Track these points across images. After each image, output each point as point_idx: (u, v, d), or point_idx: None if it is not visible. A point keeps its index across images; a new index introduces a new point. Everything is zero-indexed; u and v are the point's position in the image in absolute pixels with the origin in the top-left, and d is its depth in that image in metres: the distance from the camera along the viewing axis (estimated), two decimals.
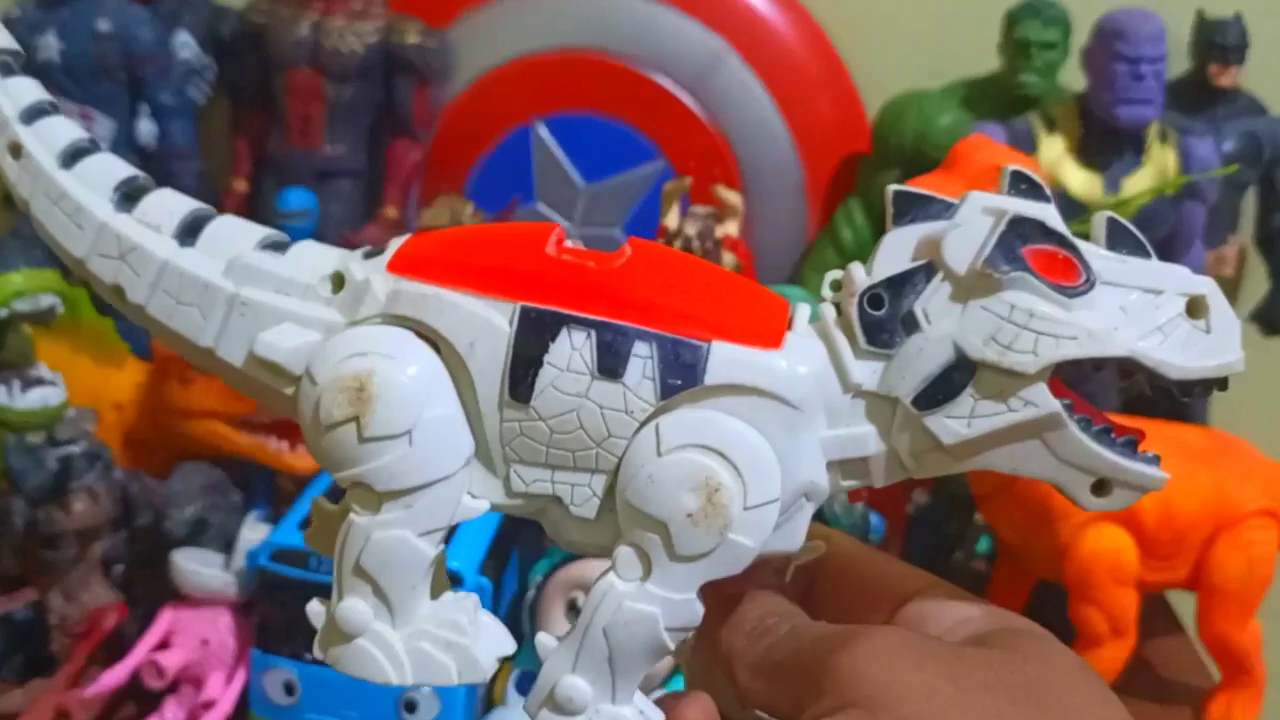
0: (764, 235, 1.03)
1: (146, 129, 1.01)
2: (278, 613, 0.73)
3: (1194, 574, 0.83)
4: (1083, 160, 0.86)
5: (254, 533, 0.76)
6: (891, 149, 0.99)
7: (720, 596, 0.32)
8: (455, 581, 0.71)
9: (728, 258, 0.80)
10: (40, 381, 0.69)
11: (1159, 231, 0.89)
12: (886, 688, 0.28)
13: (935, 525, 0.97)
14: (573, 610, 0.74)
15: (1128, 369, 0.29)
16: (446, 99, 1.06)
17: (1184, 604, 0.93)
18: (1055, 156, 0.85)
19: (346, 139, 1.03)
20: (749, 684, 0.32)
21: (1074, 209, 0.81)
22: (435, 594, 0.34)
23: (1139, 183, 0.85)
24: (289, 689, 0.73)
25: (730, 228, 0.82)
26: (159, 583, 0.78)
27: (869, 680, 0.29)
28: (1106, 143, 0.85)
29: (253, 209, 1.06)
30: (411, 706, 0.72)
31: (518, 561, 0.88)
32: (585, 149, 1.05)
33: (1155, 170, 0.86)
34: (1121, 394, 0.95)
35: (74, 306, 0.86)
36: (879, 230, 1.07)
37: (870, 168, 1.02)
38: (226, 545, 0.78)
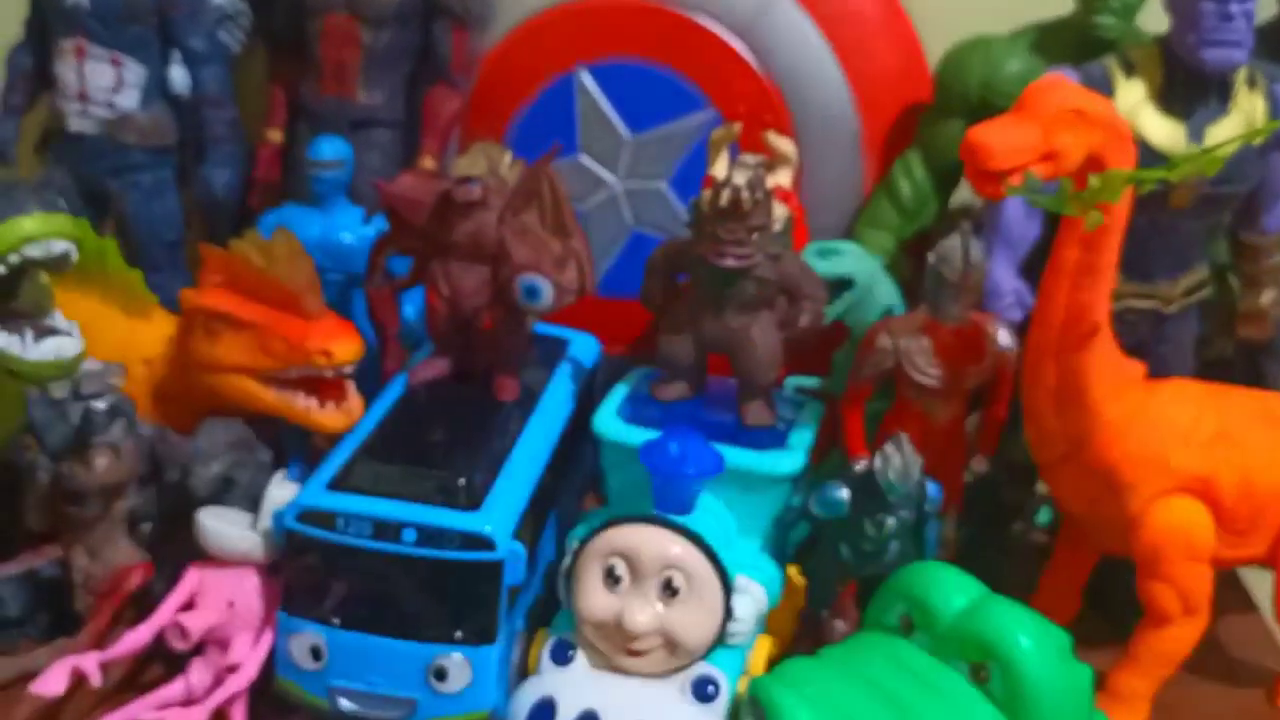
0: (817, 189, 0.98)
1: (179, 76, 0.98)
2: (305, 575, 0.71)
3: (1273, 549, 0.78)
4: (1163, 108, 0.80)
5: (281, 492, 0.73)
6: (955, 98, 0.93)
7: None
8: (487, 547, 0.69)
9: (779, 209, 0.76)
10: (54, 331, 0.66)
11: (1244, 185, 0.83)
12: None
13: (994, 495, 0.92)
14: (609, 578, 0.71)
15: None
16: (486, 46, 1.02)
17: (1258, 582, 0.88)
18: (1134, 103, 0.79)
19: (383, 86, 0.99)
20: None
21: (1154, 160, 0.75)
22: None
23: (1224, 131, 0.79)
24: (316, 653, 0.71)
25: (782, 178, 0.77)
26: (188, 542, 0.76)
27: None
28: (1190, 88, 0.79)
29: (288, 160, 1.03)
30: (441, 674, 0.70)
31: (555, 528, 0.85)
32: (630, 98, 1.00)
33: (1242, 118, 0.80)
34: (1200, 359, 0.90)
35: (102, 258, 0.84)
36: (939, 183, 1.02)
37: (931, 118, 0.96)
38: (254, 504, 0.75)
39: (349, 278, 0.95)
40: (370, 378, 0.91)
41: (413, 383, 0.84)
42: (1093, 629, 0.71)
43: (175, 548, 0.79)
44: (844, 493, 0.74)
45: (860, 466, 0.75)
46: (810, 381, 0.92)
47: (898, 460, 0.71)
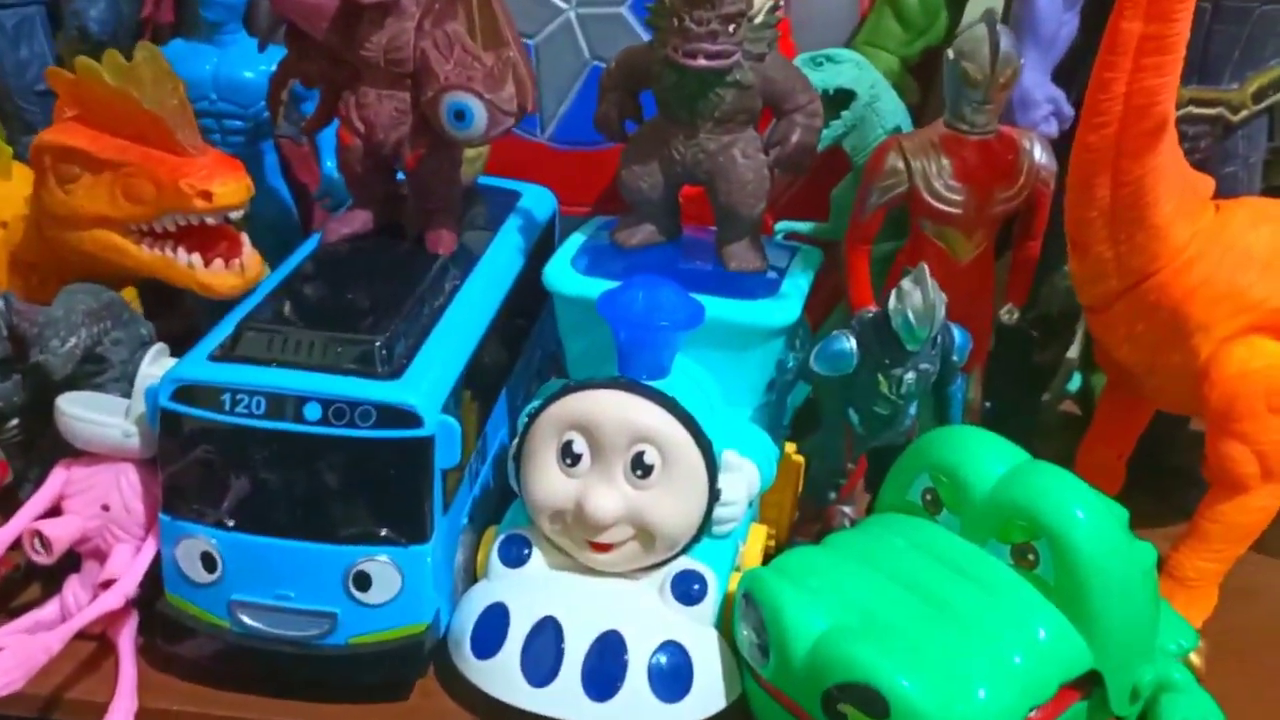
0: (803, 3, 0.83)
1: None
2: (189, 468, 0.57)
3: None
4: None
5: (156, 368, 0.59)
6: None
7: None
8: (412, 422, 0.55)
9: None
10: None
11: None
12: None
13: (1024, 356, 0.79)
14: (567, 456, 0.57)
15: None
16: None
17: None
18: None
19: None
20: None
21: None
22: None
23: None
24: (209, 563, 0.57)
25: None
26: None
27: None
28: None
29: None
30: (364, 581, 0.56)
31: (507, 408, 0.71)
32: None
33: None
34: (1268, 181, 0.76)
35: None
36: None
37: None
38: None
39: (255, 125, 0.80)
40: (290, 249, 0.77)
41: (327, 239, 0.69)
42: (1140, 506, 0.58)
43: (50, 445, 0.65)
44: (850, 343, 0.60)
45: (870, 315, 0.61)
46: (804, 226, 0.77)
47: (917, 297, 0.57)
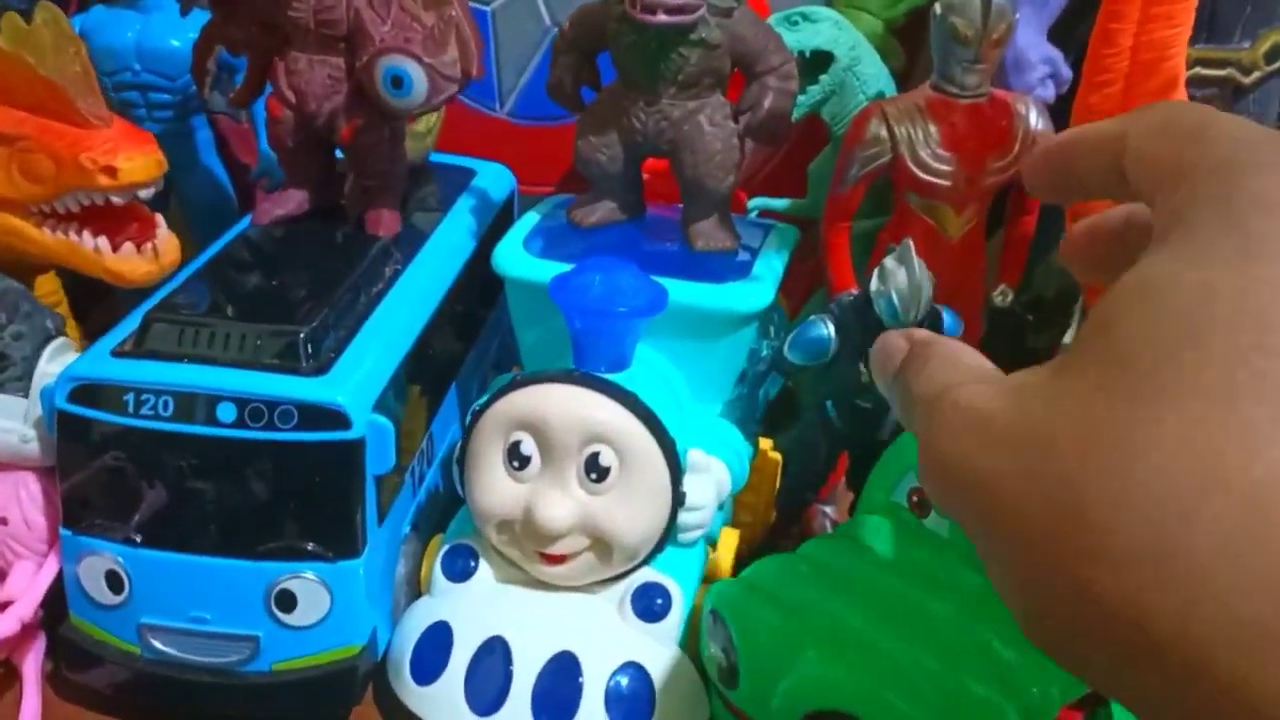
0: None
1: None
2: (89, 477, 0.51)
3: None
4: None
5: (54, 365, 0.53)
6: None
7: None
8: (340, 423, 0.49)
9: None
10: None
11: None
12: None
13: (1018, 340, 0.73)
14: (514, 459, 0.51)
15: None
16: None
17: None
18: None
19: None
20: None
21: None
22: None
23: None
24: (115, 582, 0.51)
25: None
26: None
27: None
28: None
29: None
30: (288, 601, 0.50)
31: (457, 404, 0.66)
32: None
33: None
34: None
35: None
36: None
37: None
38: None
39: (184, 98, 0.74)
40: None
41: (257, 221, 0.63)
42: None
43: None
44: (828, 329, 0.54)
45: (850, 298, 0.56)
46: (779, 204, 0.72)
47: (902, 276, 0.51)
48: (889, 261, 0.51)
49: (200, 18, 0.66)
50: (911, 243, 0.51)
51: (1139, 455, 0.21)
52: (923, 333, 0.32)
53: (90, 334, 0.67)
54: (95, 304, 0.72)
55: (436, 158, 0.76)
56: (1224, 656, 0.19)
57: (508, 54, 0.82)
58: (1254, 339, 0.20)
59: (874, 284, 0.52)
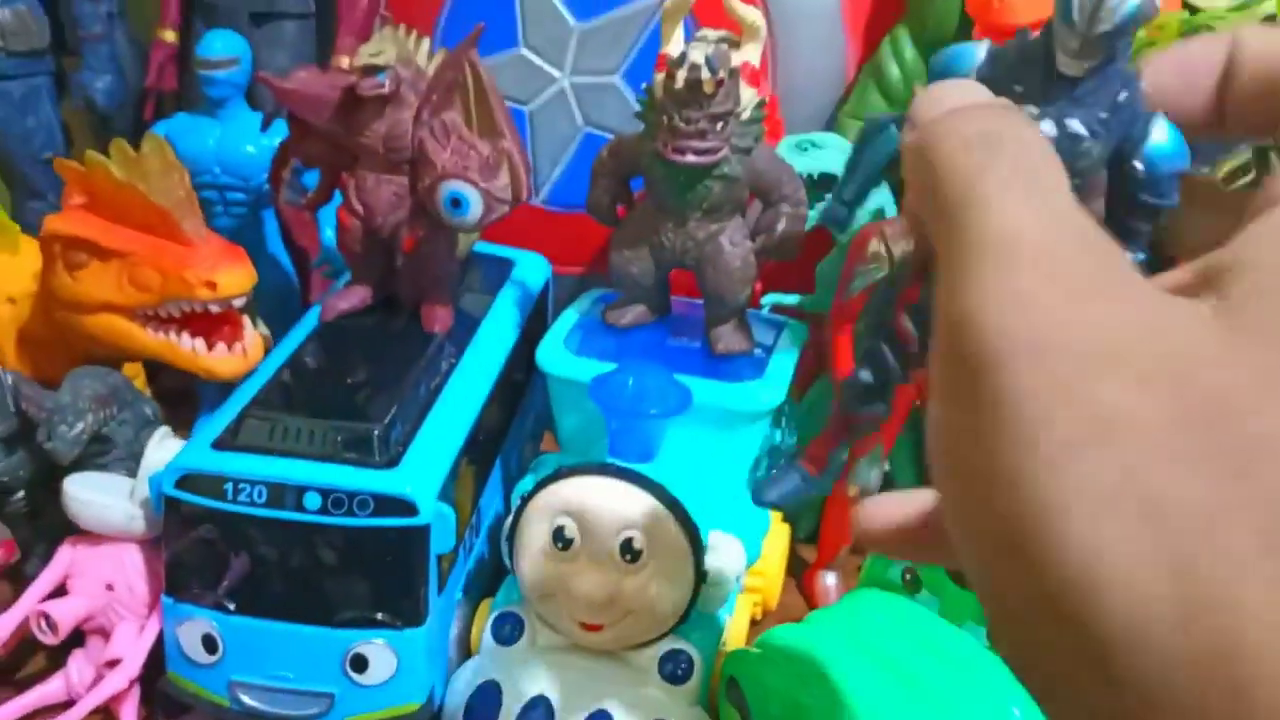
0: (793, 75, 0.85)
1: None
2: (190, 552, 0.59)
3: None
4: None
5: (161, 453, 0.61)
6: None
7: None
8: (408, 511, 0.57)
9: (747, 93, 0.63)
10: None
11: None
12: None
13: None
14: (559, 540, 0.59)
15: None
16: None
17: None
18: None
19: None
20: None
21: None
22: None
23: None
24: (210, 644, 0.59)
25: (749, 54, 0.64)
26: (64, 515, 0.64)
27: None
28: None
29: (183, 61, 0.89)
30: (361, 663, 0.58)
31: (501, 478, 0.73)
32: None
33: None
34: None
35: None
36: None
37: None
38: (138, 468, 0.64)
39: (257, 197, 0.82)
40: (290, 314, 0.79)
41: (326, 317, 0.71)
42: None
43: (55, 518, 0.67)
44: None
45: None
46: (790, 299, 0.79)
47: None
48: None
49: (275, 127, 0.74)
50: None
51: None
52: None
53: (159, 394, 0.75)
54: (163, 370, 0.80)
55: (479, 246, 0.84)
56: None
57: (543, 149, 0.91)
58: None
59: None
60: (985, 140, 0.21)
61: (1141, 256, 0.31)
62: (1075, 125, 0.28)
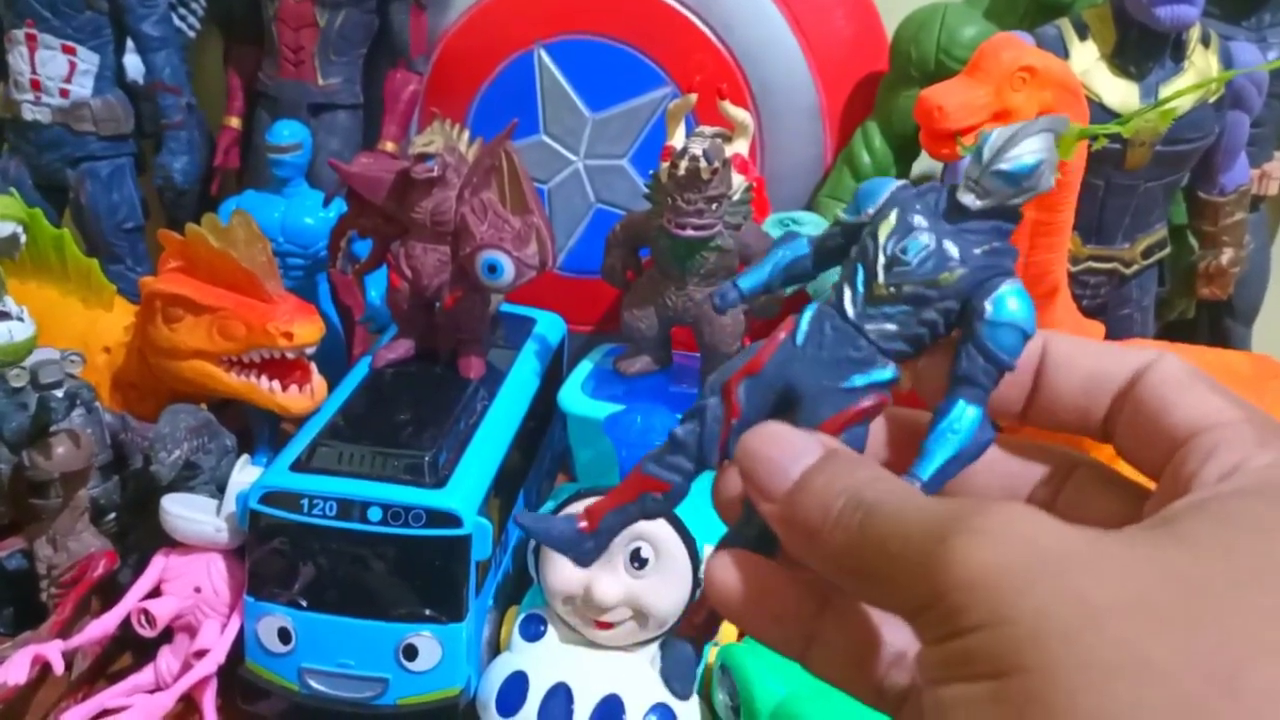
0: (778, 161, 0.98)
1: (132, 63, 0.97)
2: (270, 558, 0.70)
3: None
4: (1117, 68, 0.80)
5: (244, 475, 0.72)
6: (913, 65, 0.93)
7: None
8: (454, 523, 0.69)
9: (738, 179, 0.76)
10: (5, 316, 0.65)
11: (1200, 142, 0.83)
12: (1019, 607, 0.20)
13: None
14: None
15: None
16: (445, 26, 1.01)
17: None
18: (1088, 65, 0.79)
19: (340, 70, 0.99)
20: (832, 574, 0.25)
21: (1109, 119, 0.75)
22: None
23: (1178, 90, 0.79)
24: (284, 636, 0.70)
25: (740, 146, 0.77)
26: (153, 530, 0.76)
27: (1003, 594, 0.20)
28: (1143, 48, 0.79)
29: (247, 146, 1.03)
30: (411, 652, 0.69)
31: (524, 506, 0.85)
32: (590, 75, 1.00)
33: (1196, 76, 0.80)
34: (1161, 320, 0.90)
35: (59, 248, 0.83)
36: (899, 153, 1.00)
37: (889, 87, 0.96)
38: (220, 489, 0.75)
39: (313, 262, 0.95)
40: (336, 362, 0.91)
41: (377, 365, 0.83)
42: None
43: (140, 536, 0.78)
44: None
45: None
46: None
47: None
48: None
49: (334, 203, 0.87)
50: None
51: None
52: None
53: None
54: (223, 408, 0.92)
55: (505, 306, 0.97)
56: None
57: (559, 223, 1.03)
58: None
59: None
60: (859, 501, 0.25)
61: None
62: (950, 248, 0.29)
